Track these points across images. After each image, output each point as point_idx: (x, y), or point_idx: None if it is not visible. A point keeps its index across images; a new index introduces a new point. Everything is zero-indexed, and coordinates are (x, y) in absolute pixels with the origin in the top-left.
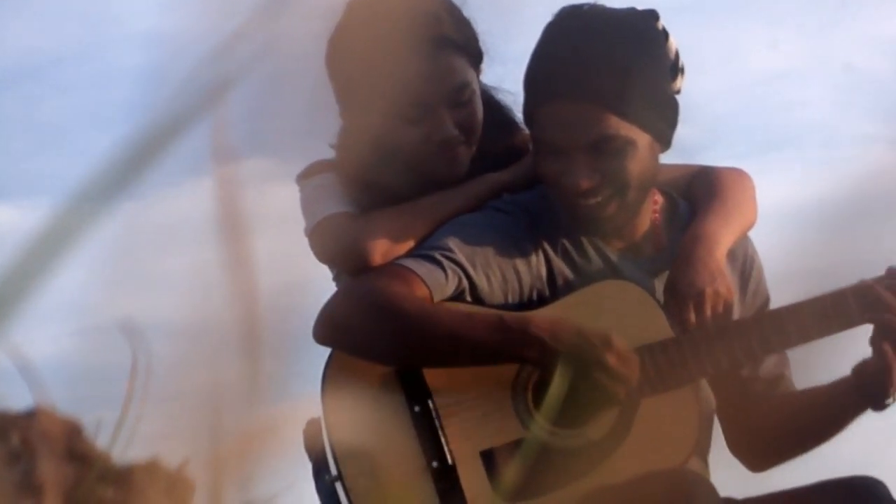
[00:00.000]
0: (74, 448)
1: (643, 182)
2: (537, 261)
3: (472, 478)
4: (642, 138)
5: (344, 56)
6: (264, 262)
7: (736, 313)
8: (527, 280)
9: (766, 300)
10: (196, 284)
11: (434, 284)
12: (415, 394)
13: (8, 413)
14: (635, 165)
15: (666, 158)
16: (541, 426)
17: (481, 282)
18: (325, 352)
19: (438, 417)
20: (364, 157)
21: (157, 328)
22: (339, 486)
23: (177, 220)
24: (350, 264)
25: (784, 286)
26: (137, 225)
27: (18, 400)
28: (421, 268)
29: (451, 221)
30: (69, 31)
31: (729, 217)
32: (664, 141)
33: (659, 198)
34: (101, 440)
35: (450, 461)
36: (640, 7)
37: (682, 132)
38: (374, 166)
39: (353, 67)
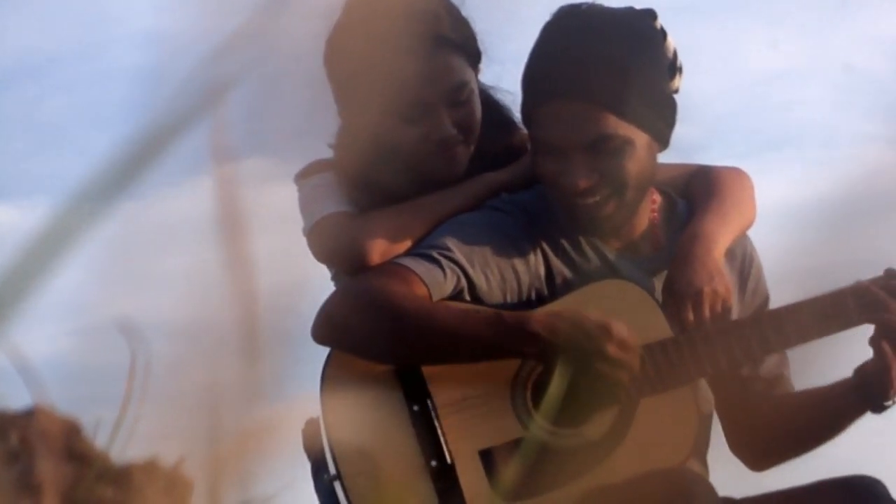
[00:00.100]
0: (73, 447)
1: (641, 181)
2: (536, 260)
3: (470, 477)
4: (640, 138)
5: (342, 55)
6: (263, 262)
7: (735, 312)
8: (525, 279)
9: (766, 299)
10: (195, 284)
11: (433, 283)
12: (414, 393)
13: (6, 412)
14: (633, 165)
15: (665, 158)
16: (540, 425)
17: (480, 281)
18: (324, 351)
19: (437, 417)
20: (362, 156)
21: (155, 328)
22: (337, 486)
23: (176, 219)
24: (348, 264)
25: (783, 285)
26: (136, 224)
27: (17, 399)
28: (419, 266)
29: (450, 221)
30: (69, 30)
31: (727, 216)
32: (662, 140)
33: (657, 197)
34: (99, 439)
35: (448, 460)
36: (638, 6)
37: (681, 132)
38: (372, 166)
39: (352, 67)
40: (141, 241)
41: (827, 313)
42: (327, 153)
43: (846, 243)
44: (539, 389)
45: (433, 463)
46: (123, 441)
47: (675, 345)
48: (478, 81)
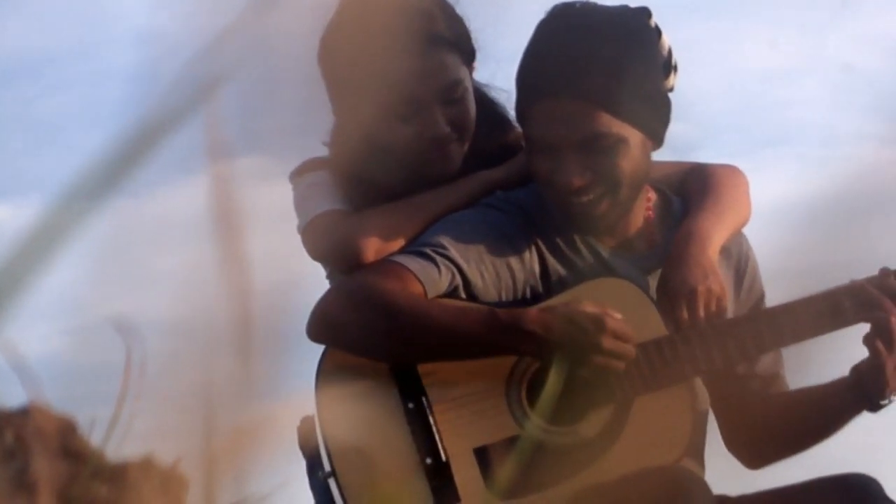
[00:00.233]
0: (68, 445)
1: (635, 180)
2: (531, 258)
3: (465, 475)
4: (634, 136)
5: (336, 53)
6: (258, 260)
7: (730, 310)
8: (520, 277)
9: (761, 297)
10: (190, 282)
11: (427, 280)
12: (409, 390)
13: (2, 410)
14: (627, 163)
15: (662, 156)
16: (535, 424)
17: (475, 278)
18: (319, 349)
19: (432, 414)
20: (357, 154)
21: (150, 326)
22: (332, 483)
23: (171, 217)
24: (343, 261)
25: (779, 283)
26: (131, 222)
27: (12, 397)
28: (414, 264)
29: (445, 218)
30: (65, 30)
31: (722, 214)
32: (657, 138)
33: (652, 195)
34: (95, 437)
35: (443, 458)
36: (632, 5)
37: (678, 130)
38: (366, 164)
39: (346, 65)
40: (136, 239)
41: (822, 312)
42: (322, 151)
43: (842, 242)
44: (534, 387)
45: (428, 460)
46: (119, 439)
47: (670, 343)
48: (472, 79)
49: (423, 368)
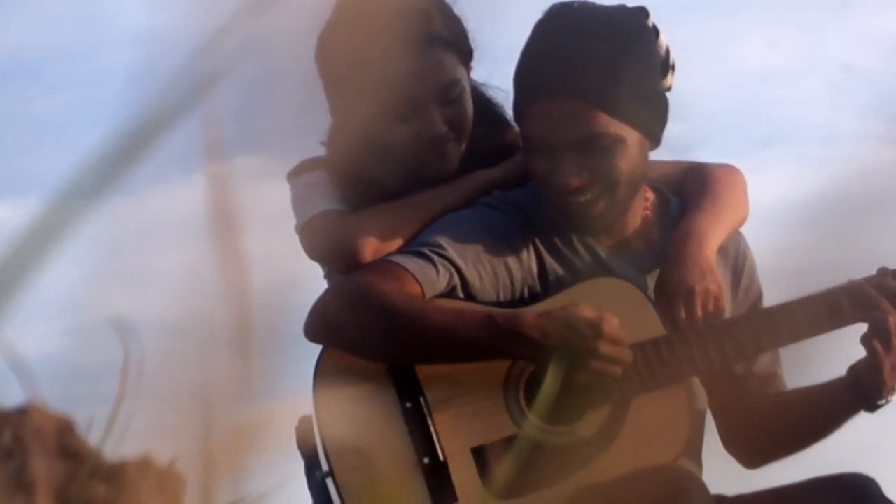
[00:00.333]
0: (66, 445)
1: (633, 179)
2: (528, 257)
3: (463, 474)
4: (632, 135)
5: (334, 53)
6: (255, 260)
7: (728, 309)
8: (518, 277)
9: (759, 296)
10: (188, 282)
11: (425, 280)
12: (406, 390)
13: (0, 410)
14: (625, 163)
15: (660, 155)
16: (532, 423)
17: (473, 278)
18: (317, 348)
19: (430, 414)
20: (354, 154)
21: (148, 326)
22: (330, 483)
23: (169, 217)
24: (341, 261)
25: (776, 283)
26: (130, 223)
27: (10, 397)
28: (412, 264)
29: (442, 218)
30: (63, 29)
31: (720, 214)
32: (654, 138)
33: (650, 194)
34: (92, 437)
35: (441, 458)
36: (630, 4)
37: (676, 129)
38: (364, 163)
39: (343, 64)
40: (134, 239)
41: (820, 312)
42: (320, 151)
43: (840, 242)
44: (532, 387)
45: (426, 460)
46: (116, 438)
47: (667, 343)
48: (469, 79)
49: (420, 368)
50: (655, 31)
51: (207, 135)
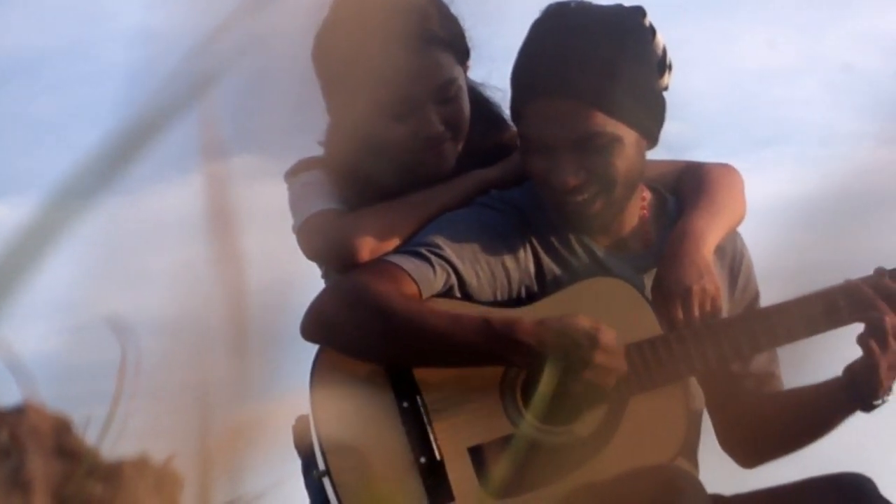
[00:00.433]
0: (63, 444)
1: (630, 179)
2: (526, 257)
3: (460, 474)
4: (629, 135)
5: (330, 52)
6: (253, 259)
7: (725, 309)
8: (515, 276)
9: (756, 295)
10: (184, 281)
11: (422, 280)
12: (403, 390)
13: None
14: (622, 162)
15: (657, 155)
16: (529, 423)
17: (470, 278)
18: (314, 348)
19: (427, 413)
20: (351, 153)
21: (145, 325)
22: (326, 482)
23: (165, 216)
24: (338, 261)
25: (773, 283)
26: (126, 222)
27: (7, 396)
28: (409, 264)
29: (440, 218)
30: (60, 28)
31: (717, 213)
32: (651, 137)
33: (647, 194)
34: (89, 436)
35: (438, 457)
36: (627, 4)
37: (673, 129)
38: (361, 163)
39: (340, 63)
40: (131, 238)
41: (817, 311)
42: (317, 150)
43: (837, 241)
44: (529, 386)
45: (422, 459)
46: (113, 438)
47: (664, 342)
48: (466, 78)
49: (418, 368)
50: (652, 31)
51: (204, 134)
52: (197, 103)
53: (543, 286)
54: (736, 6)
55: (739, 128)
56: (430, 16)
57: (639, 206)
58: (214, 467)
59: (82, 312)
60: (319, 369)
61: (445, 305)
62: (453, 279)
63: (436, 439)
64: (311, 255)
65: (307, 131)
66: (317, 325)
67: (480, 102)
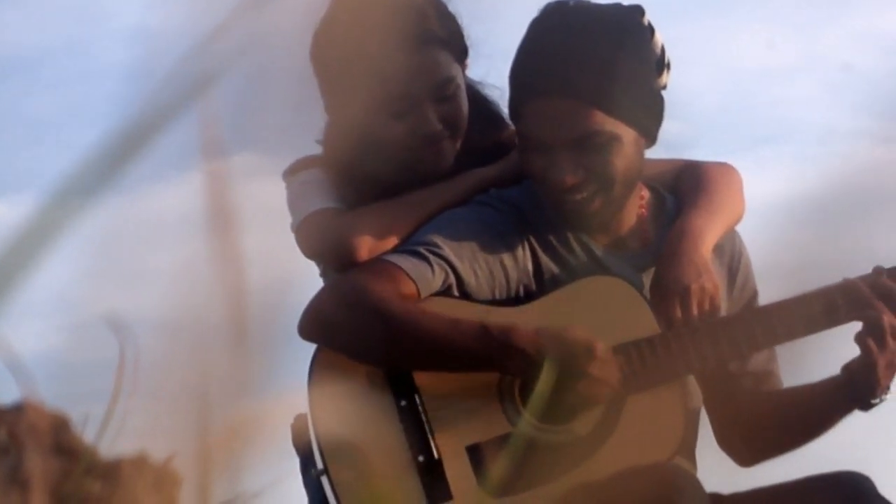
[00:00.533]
0: (62, 442)
1: (628, 177)
2: (524, 256)
3: (457, 472)
4: (627, 134)
5: (329, 51)
6: (251, 258)
7: (723, 308)
8: (514, 275)
9: (754, 294)
10: (184, 279)
11: (421, 280)
12: (401, 388)
13: None
14: (620, 161)
15: (656, 154)
16: (527, 422)
17: (468, 277)
18: (312, 346)
19: (425, 412)
20: (350, 152)
21: (144, 323)
22: (325, 480)
23: (165, 215)
24: (337, 260)
25: (772, 281)
26: (126, 220)
27: (6, 394)
28: (407, 263)
29: (438, 217)
30: (58, 26)
31: (715, 212)
32: (650, 136)
33: (645, 192)
34: (88, 434)
35: (436, 455)
36: (625, 3)
37: (672, 128)
38: (359, 161)
39: (338, 62)
40: (130, 236)
41: (815, 310)
42: (316, 149)
43: (835, 240)
44: (527, 385)
45: (420, 458)
46: (112, 436)
47: (662, 341)
48: (465, 77)
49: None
50: (651, 30)
51: (204, 133)
52: (196, 102)
53: (542, 285)
54: (734, 5)
55: (738, 126)
56: (428, 14)
57: (637, 205)
58: (213, 465)
59: (81, 310)
60: (318, 368)
61: (444, 304)
62: (452, 278)
63: (434, 438)
64: (310, 253)
65: (306, 130)
66: (315, 324)
67: (479, 101)
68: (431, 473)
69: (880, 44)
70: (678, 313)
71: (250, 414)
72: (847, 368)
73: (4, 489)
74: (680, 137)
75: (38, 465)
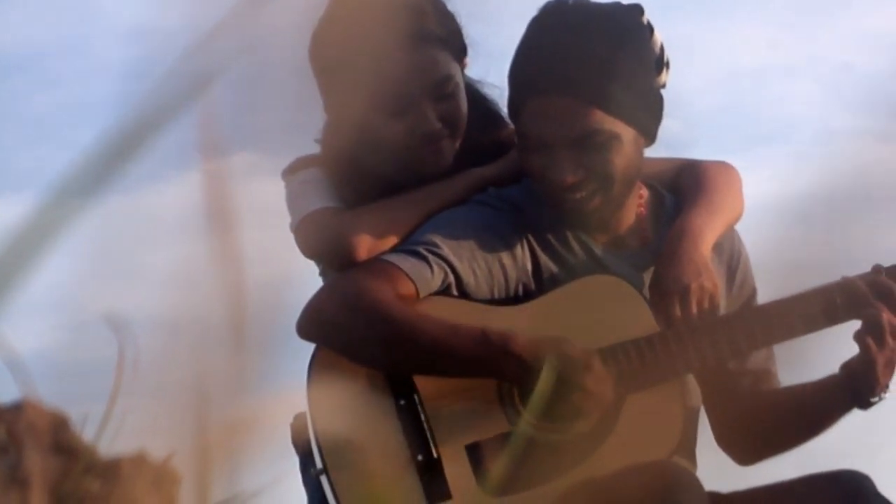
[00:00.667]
0: (61, 441)
1: (628, 176)
2: (523, 255)
3: (457, 471)
4: (627, 132)
5: (327, 49)
6: (250, 257)
7: (722, 306)
8: (512, 274)
9: (753, 293)
10: (182, 278)
11: (419, 280)
12: (400, 387)
13: None
14: (620, 159)
15: (655, 153)
16: (527, 421)
17: (467, 276)
18: (312, 345)
19: (424, 411)
20: (348, 151)
21: (143, 322)
22: (324, 479)
23: (164, 214)
24: (335, 260)
25: (771, 280)
26: (125, 219)
27: (5, 393)
28: (406, 263)
29: (437, 216)
30: (57, 25)
31: (715, 211)
32: (649, 135)
33: (644, 191)
34: (87, 433)
35: (435, 454)
36: (625, 1)
37: (671, 127)
38: (358, 160)
39: (337, 61)
40: (129, 235)
41: (814, 309)
42: (315, 148)
43: (834, 239)
44: (524, 391)
45: (419, 457)
46: (111, 435)
47: (662, 340)
48: (464, 76)
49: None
50: (650, 29)
51: (203, 132)
52: (195, 101)
53: (541, 284)
54: (734, 4)
55: (737, 126)
56: (426, 13)
57: (636, 204)
58: (212, 464)
59: (80, 309)
60: (317, 367)
61: (443, 304)
62: (451, 278)
63: (433, 437)
64: (309, 253)
65: (304, 129)
66: (313, 324)
67: (478, 100)
68: (430, 472)
69: (880, 44)
70: (677, 312)
71: (249, 413)
72: (846, 367)
73: (4, 488)
74: (679, 136)
75: (37, 464)
